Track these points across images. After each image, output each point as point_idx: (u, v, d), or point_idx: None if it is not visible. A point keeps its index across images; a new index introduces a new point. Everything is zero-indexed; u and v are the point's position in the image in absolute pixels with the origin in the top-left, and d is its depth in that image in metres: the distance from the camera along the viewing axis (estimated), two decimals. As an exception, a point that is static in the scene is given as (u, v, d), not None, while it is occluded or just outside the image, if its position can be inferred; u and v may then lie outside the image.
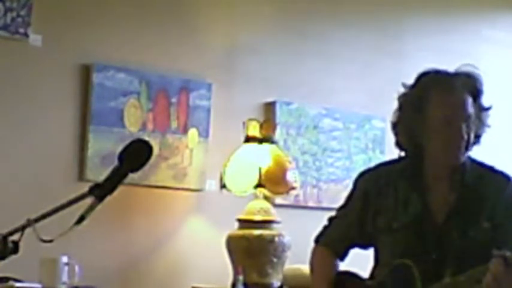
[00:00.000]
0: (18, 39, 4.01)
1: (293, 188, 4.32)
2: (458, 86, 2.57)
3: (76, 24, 4.19)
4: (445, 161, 2.56)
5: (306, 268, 3.06)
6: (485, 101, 2.66)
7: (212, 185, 4.44)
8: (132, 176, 1.98)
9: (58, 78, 4.14)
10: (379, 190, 2.63)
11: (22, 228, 1.89)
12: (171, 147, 4.40)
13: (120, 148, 1.99)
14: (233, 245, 4.19)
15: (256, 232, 4.17)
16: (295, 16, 4.93)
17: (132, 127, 4.28)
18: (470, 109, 2.55)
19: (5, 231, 1.91)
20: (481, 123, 2.60)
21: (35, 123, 4.06)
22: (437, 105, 2.53)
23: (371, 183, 2.67)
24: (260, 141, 4.27)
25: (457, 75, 2.63)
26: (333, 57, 4.95)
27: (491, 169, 2.65)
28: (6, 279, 3.49)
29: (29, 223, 1.89)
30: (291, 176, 4.30)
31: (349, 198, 2.75)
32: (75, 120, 4.17)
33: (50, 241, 1.91)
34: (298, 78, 4.82)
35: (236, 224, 4.24)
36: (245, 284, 4.08)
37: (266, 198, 4.31)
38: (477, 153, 2.72)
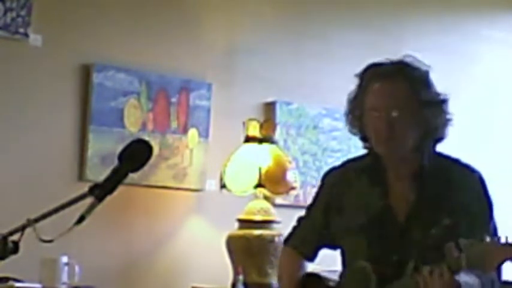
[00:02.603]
0: (18, 39, 4.01)
1: (293, 188, 4.32)
2: (391, 75, 2.47)
3: (76, 24, 4.19)
4: (380, 152, 2.49)
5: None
6: (435, 95, 2.55)
7: (212, 185, 4.44)
8: (132, 176, 1.98)
9: (58, 78, 4.14)
10: (343, 188, 2.58)
11: (22, 228, 1.89)
12: (171, 147, 4.40)
13: (120, 148, 1.99)
14: (233, 245, 4.19)
15: (256, 232, 4.17)
16: (295, 16, 4.93)
17: (132, 127, 4.28)
18: (406, 99, 2.44)
19: (5, 231, 1.91)
20: (430, 116, 2.47)
21: (35, 123, 4.06)
22: (369, 95, 2.48)
23: (336, 181, 2.62)
24: (260, 141, 4.27)
25: (392, 65, 2.51)
26: (333, 57, 4.95)
27: (456, 163, 2.56)
28: (6, 279, 3.49)
29: (29, 223, 1.89)
30: (291, 176, 4.31)
31: (316, 197, 2.70)
32: (75, 120, 4.17)
33: (50, 241, 1.91)
34: (298, 78, 4.82)
35: (236, 224, 4.24)
36: (245, 284, 4.08)
37: (266, 198, 4.32)
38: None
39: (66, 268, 3.66)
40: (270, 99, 4.76)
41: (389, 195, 2.48)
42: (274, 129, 4.37)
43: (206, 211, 4.48)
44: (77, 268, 3.68)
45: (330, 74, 4.93)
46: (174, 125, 4.43)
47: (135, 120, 4.30)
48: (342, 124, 4.92)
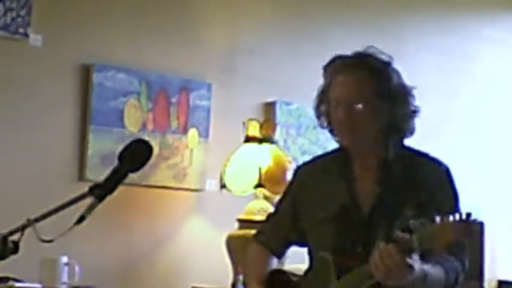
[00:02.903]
0: (18, 39, 4.01)
1: (293, 188, 4.31)
2: (352, 67, 2.46)
3: (76, 24, 4.19)
4: (344, 144, 2.49)
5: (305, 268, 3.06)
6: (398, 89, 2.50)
7: (212, 185, 4.44)
8: (132, 176, 1.98)
9: (58, 78, 4.14)
10: (311, 183, 2.56)
11: (22, 228, 1.89)
12: (171, 147, 4.40)
13: (120, 148, 1.99)
14: (233, 245, 4.18)
15: (256, 232, 4.16)
16: (295, 16, 4.93)
17: (132, 127, 4.28)
18: (367, 90, 2.42)
19: (5, 231, 1.91)
20: (392, 108, 2.45)
21: (35, 123, 4.06)
22: (333, 87, 2.48)
23: (305, 177, 2.61)
24: (260, 141, 4.27)
25: (355, 57, 2.51)
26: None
27: (423, 156, 2.55)
28: (6, 279, 3.49)
29: (29, 223, 1.89)
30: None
31: (285, 193, 2.68)
32: (75, 120, 4.17)
33: (50, 241, 1.91)
34: (298, 78, 4.82)
35: (236, 224, 4.24)
36: (245, 284, 4.08)
37: (266, 198, 4.31)
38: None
39: (66, 268, 3.66)
40: (270, 99, 4.76)
41: (355, 187, 2.47)
42: (274, 129, 4.37)
43: (206, 211, 4.48)
44: (77, 268, 3.68)
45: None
46: (174, 125, 4.43)
47: (135, 120, 4.30)
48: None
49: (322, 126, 2.55)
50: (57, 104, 4.14)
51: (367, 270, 2.24)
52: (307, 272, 2.56)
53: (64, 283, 3.65)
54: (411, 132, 2.53)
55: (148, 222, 4.33)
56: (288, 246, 2.66)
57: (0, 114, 3.97)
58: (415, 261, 2.17)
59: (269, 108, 4.74)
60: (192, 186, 4.46)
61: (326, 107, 2.50)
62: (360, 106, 2.41)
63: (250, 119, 4.34)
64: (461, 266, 2.40)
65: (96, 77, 4.19)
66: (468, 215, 2.12)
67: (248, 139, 4.30)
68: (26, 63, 4.05)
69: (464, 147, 5.54)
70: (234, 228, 4.24)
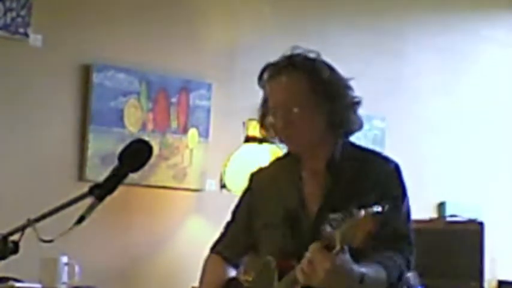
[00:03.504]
0: (18, 39, 4.01)
1: (293, 188, 4.31)
2: (283, 70, 2.39)
3: (76, 24, 4.19)
4: (290, 151, 2.44)
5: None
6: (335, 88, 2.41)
7: (212, 185, 4.44)
8: (132, 176, 1.98)
9: (58, 78, 4.14)
10: (265, 187, 2.52)
11: (22, 228, 1.89)
12: (171, 147, 4.40)
13: (120, 148, 1.99)
14: (233, 245, 4.18)
15: (256, 232, 4.16)
16: (295, 16, 4.93)
17: (132, 127, 4.28)
18: (301, 92, 2.34)
19: (5, 231, 1.91)
20: (330, 105, 2.36)
21: (35, 123, 4.06)
22: (269, 96, 2.40)
23: (257, 183, 2.57)
24: (260, 141, 4.27)
25: (283, 60, 2.42)
26: (333, 57, 4.94)
27: (373, 154, 2.47)
28: (6, 279, 3.49)
29: (29, 223, 1.89)
30: (291, 176, 4.30)
31: (240, 201, 2.63)
32: (75, 120, 4.17)
33: (50, 241, 1.90)
34: (298, 78, 4.82)
35: (236, 224, 4.24)
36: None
37: (266, 198, 4.31)
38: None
39: (66, 268, 3.66)
40: (270, 99, 4.75)
41: (303, 191, 2.41)
42: (274, 129, 4.37)
43: (206, 211, 4.48)
44: (77, 268, 3.68)
45: (330, 74, 4.92)
46: (174, 125, 4.43)
47: (135, 120, 4.30)
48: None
49: (271, 138, 2.48)
50: (57, 104, 4.14)
51: (294, 274, 2.17)
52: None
53: (64, 283, 3.65)
54: (359, 125, 2.44)
55: (148, 222, 4.33)
56: (246, 254, 2.58)
57: (0, 114, 3.97)
58: (345, 262, 2.08)
59: (269, 108, 4.73)
60: (192, 186, 4.46)
61: (270, 118, 2.42)
62: (296, 110, 2.34)
63: (250, 119, 4.34)
64: (405, 262, 2.32)
65: (96, 77, 4.19)
66: (383, 206, 2.04)
67: (248, 139, 4.30)
68: (26, 63, 4.05)
69: (464, 147, 5.54)
70: (234, 228, 4.24)
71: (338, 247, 2.06)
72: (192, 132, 4.48)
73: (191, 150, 4.47)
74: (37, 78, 4.07)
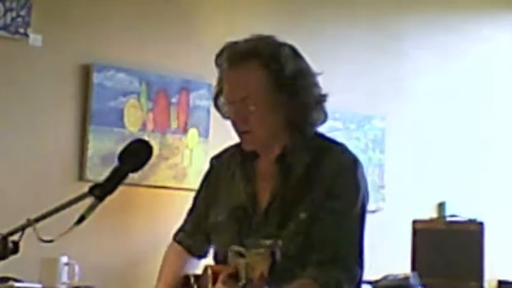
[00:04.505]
0: (18, 39, 4.01)
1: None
2: (243, 59, 2.21)
3: (76, 24, 4.19)
4: (242, 147, 2.26)
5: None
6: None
7: (212, 185, 4.43)
8: (132, 176, 1.98)
9: (58, 78, 4.14)
10: (221, 175, 2.35)
11: (22, 228, 1.89)
12: (171, 147, 4.40)
13: (120, 148, 1.99)
14: (233, 245, 4.18)
15: (256, 232, 4.16)
16: (295, 16, 4.93)
17: (132, 127, 4.28)
18: (260, 85, 2.16)
19: (5, 231, 1.91)
20: (291, 98, 2.17)
21: (35, 123, 4.05)
22: (225, 84, 2.23)
23: (216, 170, 2.38)
24: (260, 141, 4.26)
25: (245, 46, 2.27)
26: (333, 57, 4.95)
27: (333, 144, 2.27)
28: (6, 279, 3.49)
29: (29, 223, 1.89)
30: (291, 176, 4.30)
31: (200, 188, 2.45)
32: (75, 120, 4.17)
33: (50, 241, 1.90)
34: (298, 78, 4.82)
35: (236, 224, 4.24)
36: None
37: (266, 198, 4.31)
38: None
39: (66, 268, 3.66)
40: (270, 99, 4.75)
41: (255, 186, 2.25)
42: (274, 129, 4.36)
43: (206, 211, 4.48)
44: (77, 268, 3.68)
45: (329, 74, 4.91)
46: (174, 125, 4.43)
47: (135, 120, 4.30)
48: (341, 124, 4.97)
49: (224, 117, 2.32)
50: (57, 104, 4.14)
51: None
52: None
53: (64, 283, 3.65)
54: (322, 120, 2.27)
55: (148, 222, 4.33)
56: (209, 243, 2.39)
57: (0, 114, 3.97)
58: None
59: (269, 108, 4.73)
60: (192, 186, 4.44)
61: (223, 100, 2.27)
62: (253, 108, 2.17)
63: (250, 119, 4.34)
64: (344, 273, 2.13)
65: (96, 77, 4.19)
66: (274, 246, 1.97)
67: (248, 139, 4.29)
68: (26, 63, 4.05)
69: (464, 147, 5.54)
70: (234, 228, 4.24)
71: (243, 281, 1.98)
72: (192, 132, 4.48)
73: (191, 150, 4.47)
74: (37, 78, 4.07)
